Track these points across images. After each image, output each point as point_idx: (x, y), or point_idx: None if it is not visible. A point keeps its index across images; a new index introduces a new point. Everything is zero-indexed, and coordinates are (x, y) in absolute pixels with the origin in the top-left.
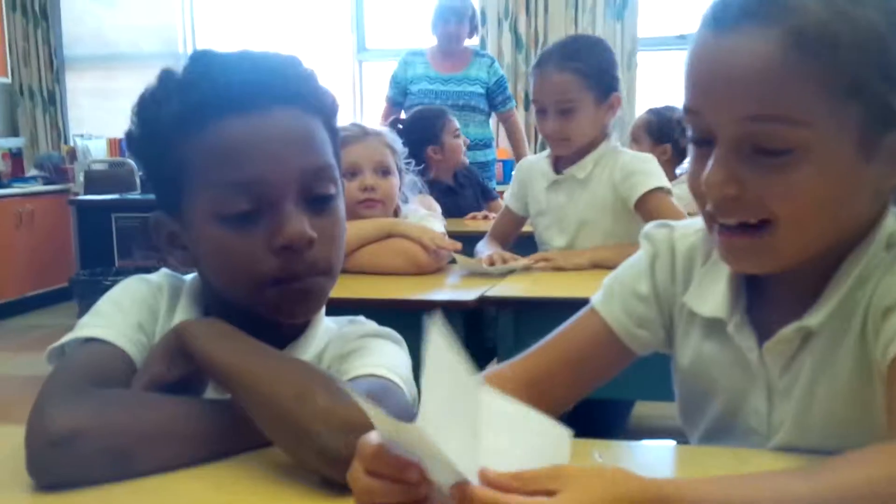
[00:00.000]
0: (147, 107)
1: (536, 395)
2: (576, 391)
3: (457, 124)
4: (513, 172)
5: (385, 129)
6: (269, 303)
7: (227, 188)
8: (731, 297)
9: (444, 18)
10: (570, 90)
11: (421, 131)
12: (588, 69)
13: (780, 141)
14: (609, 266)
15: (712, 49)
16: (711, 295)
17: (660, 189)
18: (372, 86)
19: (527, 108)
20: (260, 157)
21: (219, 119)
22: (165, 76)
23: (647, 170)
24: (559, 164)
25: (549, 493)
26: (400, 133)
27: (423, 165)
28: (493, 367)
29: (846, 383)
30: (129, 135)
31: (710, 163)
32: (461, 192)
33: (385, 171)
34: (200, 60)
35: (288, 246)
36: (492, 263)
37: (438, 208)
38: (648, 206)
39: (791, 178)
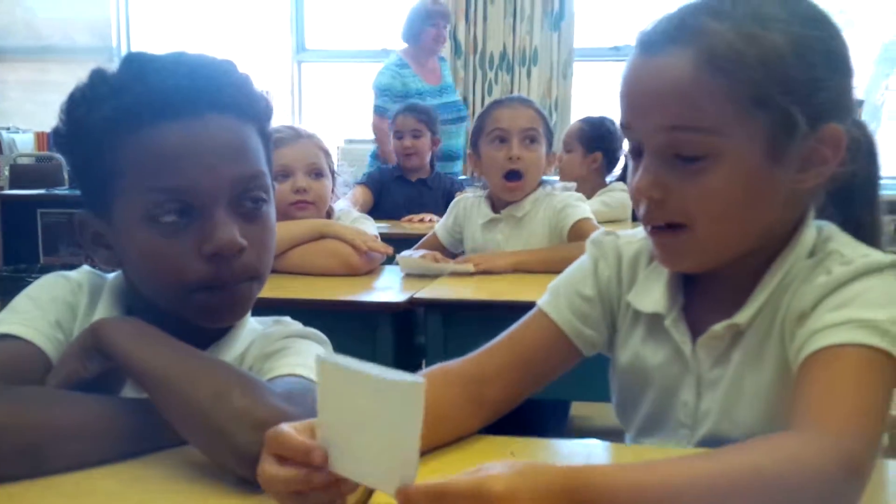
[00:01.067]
0: (77, 106)
1: (481, 393)
2: (522, 390)
3: (400, 125)
4: (450, 206)
5: (316, 132)
6: (196, 308)
7: (159, 194)
8: (669, 294)
9: (433, 22)
10: (535, 122)
11: None
12: (543, 117)
13: (695, 148)
14: (530, 270)
15: (639, 69)
16: (652, 293)
17: (587, 219)
18: (311, 87)
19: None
20: (192, 164)
21: (152, 124)
22: (97, 76)
23: (577, 204)
24: (497, 204)
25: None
26: None
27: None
28: (442, 364)
29: (770, 380)
30: (56, 132)
31: (639, 170)
32: (423, 192)
33: (318, 173)
34: (134, 63)
35: (217, 253)
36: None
37: (360, 200)
38: (578, 231)
39: (706, 181)
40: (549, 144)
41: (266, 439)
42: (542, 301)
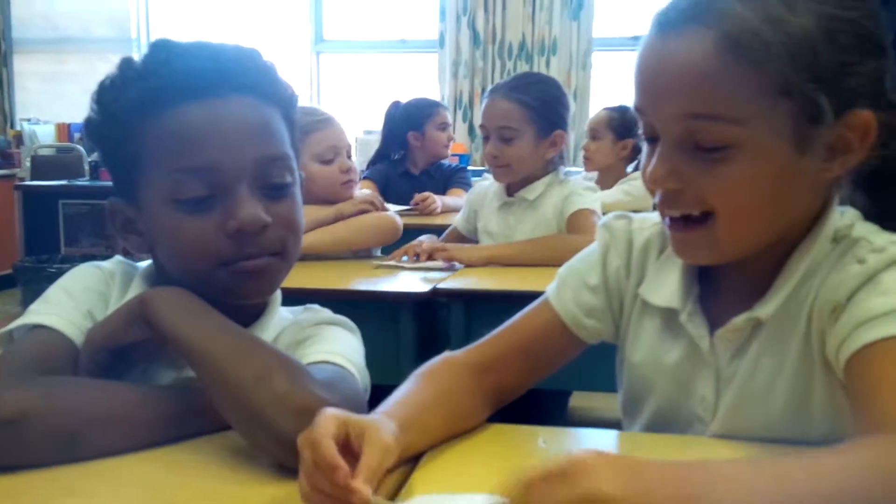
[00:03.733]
0: (106, 92)
1: (488, 381)
2: (527, 378)
3: (447, 119)
4: (465, 198)
5: None
6: (221, 285)
7: (183, 173)
8: (684, 287)
9: None
10: (512, 119)
11: (408, 116)
12: (533, 103)
13: (716, 137)
14: (505, 263)
15: (656, 51)
16: (665, 285)
17: (588, 210)
18: (329, 78)
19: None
20: (215, 143)
21: (176, 105)
22: (125, 63)
23: (583, 193)
24: (511, 188)
25: None
26: (392, 115)
27: (403, 153)
28: (448, 353)
29: (788, 373)
30: (88, 121)
31: (654, 158)
32: (427, 183)
33: (349, 154)
34: (160, 48)
35: (241, 229)
36: (416, 254)
37: None
38: (575, 221)
39: (727, 172)
40: (547, 126)
41: (306, 443)
42: (549, 289)
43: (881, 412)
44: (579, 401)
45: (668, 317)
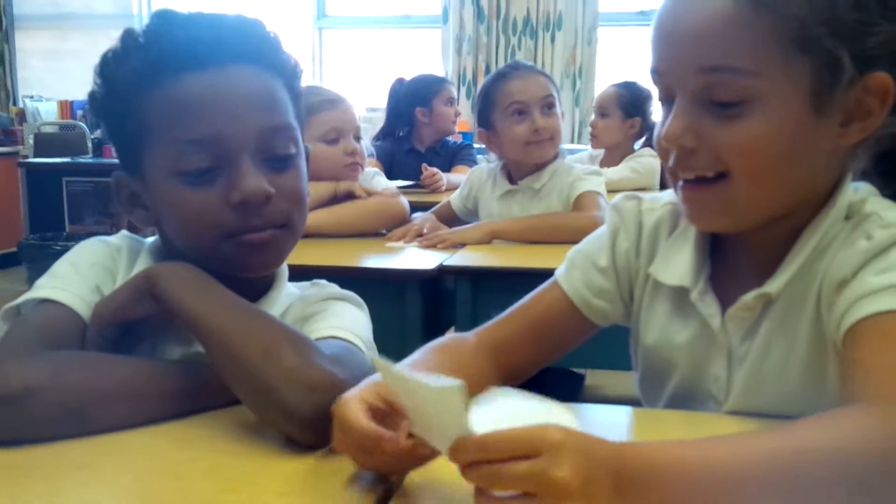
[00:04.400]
0: (108, 65)
1: (498, 361)
2: (537, 359)
3: (453, 94)
4: (466, 176)
5: None
6: (227, 257)
7: (185, 145)
8: (695, 265)
9: None
10: (551, 88)
11: (414, 93)
12: (552, 81)
13: (732, 91)
14: (506, 238)
15: (671, 8)
16: (676, 264)
17: (592, 192)
18: (332, 54)
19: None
20: (217, 113)
21: (177, 75)
22: (127, 34)
23: (587, 177)
24: (514, 175)
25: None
26: (397, 92)
27: (408, 129)
28: (457, 334)
29: (801, 351)
30: (91, 95)
31: (670, 116)
32: (432, 160)
33: (358, 136)
34: (161, 18)
35: (245, 201)
36: (420, 234)
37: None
38: (580, 203)
39: (744, 128)
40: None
41: (335, 422)
42: (559, 271)
43: (860, 384)
44: (591, 379)
45: (679, 296)
